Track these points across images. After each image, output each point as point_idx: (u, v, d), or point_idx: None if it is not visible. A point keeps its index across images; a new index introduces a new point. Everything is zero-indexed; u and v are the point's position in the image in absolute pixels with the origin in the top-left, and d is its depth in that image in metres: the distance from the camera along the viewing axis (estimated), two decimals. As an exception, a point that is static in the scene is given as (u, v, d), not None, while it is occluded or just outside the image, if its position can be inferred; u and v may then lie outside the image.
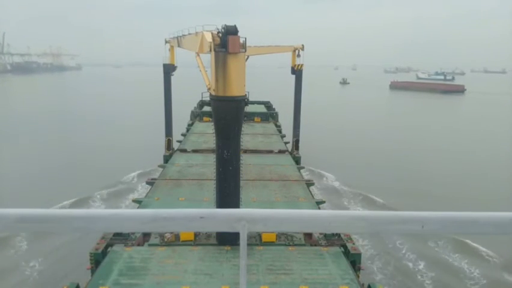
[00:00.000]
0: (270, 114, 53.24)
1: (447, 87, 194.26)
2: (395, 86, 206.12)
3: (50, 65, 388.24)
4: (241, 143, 19.72)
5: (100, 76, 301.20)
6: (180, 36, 29.12)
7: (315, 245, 19.79)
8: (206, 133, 41.12)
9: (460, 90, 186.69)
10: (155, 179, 29.22)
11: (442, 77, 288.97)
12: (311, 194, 27.07)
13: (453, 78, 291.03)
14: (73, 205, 35.70)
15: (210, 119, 42.61)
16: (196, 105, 57.70)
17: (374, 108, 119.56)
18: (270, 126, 48.34)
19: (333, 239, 20.21)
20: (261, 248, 18.83)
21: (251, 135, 41.51)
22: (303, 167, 35.87)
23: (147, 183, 29.32)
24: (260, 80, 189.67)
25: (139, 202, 25.10)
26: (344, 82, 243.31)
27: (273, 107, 59.32)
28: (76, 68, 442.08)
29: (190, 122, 50.12)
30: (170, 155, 36.22)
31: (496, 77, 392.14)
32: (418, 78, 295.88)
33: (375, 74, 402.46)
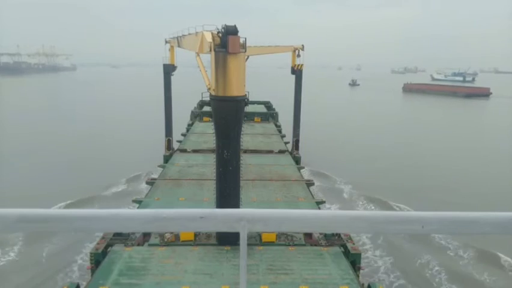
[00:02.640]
0: (270, 114, 53.25)
1: (470, 91, 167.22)
2: (409, 89, 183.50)
3: (41, 65, 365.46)
4: (241, 143, 19.73)
5: (94, 77, 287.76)
6: (180, 36, 29.15)
7: (315, 245, 19.78)
8: (206, 133, 41.12)
9: (485, 93, 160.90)
10: (155, 179, 29.24)
11: (461, 78, 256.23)
12: (311, 194, 27.06)
13: (473, 80, 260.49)
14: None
15: (210, 119, 42.62)
16: (196, 105, 57.73)
17: (396, 116, 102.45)
18: (270, 126, 48.35)
19: (333, 239, 20.20)
20: (261, 248, 18.82)
21: (251, 135, 41.50)
22: (303, 167, 35.89)
23: (147, 183, 29.34)
24: (260, 80, 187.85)
25: (139, 202, 25.09)
26: (354, 84, 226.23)
27: (273, 107, 59.34)
28: (70, 68, 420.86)
29: (190, 122, 50.14)
30: (170, 155, 36.23)
31: (509, 78, 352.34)
32: (433, 79, 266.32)
33: (382, 75, 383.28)
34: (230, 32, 17.03)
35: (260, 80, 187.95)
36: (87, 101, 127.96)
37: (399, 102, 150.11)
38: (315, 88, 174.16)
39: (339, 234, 20.19)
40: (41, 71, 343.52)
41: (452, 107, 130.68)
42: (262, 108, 57.19)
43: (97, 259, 17.88)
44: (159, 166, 34.46)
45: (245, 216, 2.06)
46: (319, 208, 24.47)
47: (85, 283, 16.65)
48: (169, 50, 37.61)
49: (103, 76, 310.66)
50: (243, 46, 17.48)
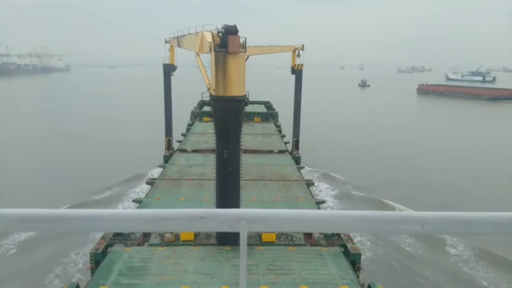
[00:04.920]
0: (270, 114, 53.31)
1: (495, 93, 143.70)
2: (425, 90, 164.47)
3: (32, 66, 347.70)
4: (241, 143, 19.74)
5: (88, 78, 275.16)
6: (180, 36, 29.16)
7: (315, 245, 19.79)
8: (206, 133, 41.14)
9: None
10: (155, 179, 29.25)
11: (480, 78, 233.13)
12: (311, 194, 27.08)
13: (494, 80, 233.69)
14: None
15: (210, 119, 42.62)
16: (196, 105, 57.77)
17: (425, 126, 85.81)
18: (270, 126, 48.39)
19: (333, 239, 20.22)
20: (261, 248, 18.83)
21: (251, 135, 41.52)
22: (303, 167, 35.90)
23: (147, 183, 29.35)
24: (260, 80, 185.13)
25: (139, 202, 25.14)
26: (364, 85, 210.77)
27: (273, 107, 59.37)
28: (64, 69, 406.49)
29: (190, 122, 50.18)
30: (170, 155, 36.24)
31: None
32: (448, 79, 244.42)
33: (388, 74, 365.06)
34: (230, 31, 17.02)
35: (260, 80, 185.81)
36: (70, 103, 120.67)
37: (419, 107, 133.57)
38: (323, 90, 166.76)
39: (339, 234, 20.19)
40: (31, 72, 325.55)
41: (483, 113, 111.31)
42: (262, 108, 57.24)
43: (97, 259, 17.88)
44: (159, 166, 34.48)
45: (245, 216, 2.06)
46: (319, 208, 24.48)
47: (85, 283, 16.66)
48: (169, 50, 37.63)
49: (98, 77, 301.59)
50: (243, 46, 17.47)
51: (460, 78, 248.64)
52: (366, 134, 74.78)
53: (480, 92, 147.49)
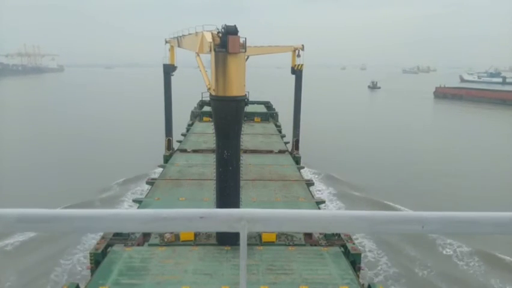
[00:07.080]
0: (270, 114, 53.34)
1: None
2: (442, 94, 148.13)
3: (21, 66, 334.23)
4: (241, 143, 19.74)
5: (82, 79, 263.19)
6: (180, 36, 29.18)
7: (315, 245, 19.80)
8: (206, 133, 41.16)
9: None
10: (155, 179, 29.26)
11: (500, 80, 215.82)
12: (311, 194, 27.09)
13: None
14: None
15: (210, 119, 42.62)
16: (196, 105, 57.79)
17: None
18: (270, 126, 48.41)
19: (333, 239, 20.23)
20: (261, 248, 18.83)
21: (251, 135, 41.52)
22: (303, 167, 35.91)
23: (147, 183, 29.36)
24: (260, 81, 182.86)
25: (139, 202, 25.14)
26: (374, 86, 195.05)
27: (273, 107, 59.40)
28: (56, 69, 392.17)
29: (190, 122, 50.21)
30: (170, 155, 36.25)
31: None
32: (463, 80, 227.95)
33: (393, 75, 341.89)
34: (230, 32, 17.04)
35: (257, 81, 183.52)
36: (57, 105, 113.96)
37: (444, 114, 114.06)
38: (330, 93, 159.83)
39: (339, 234, 20.21)
40: (20, 72, 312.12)
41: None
42: (262, 108, 57.27)
43: (97, 259, 17.89)
44: (159, 166, 34.47)
45: (245, 216, 2.06)
46: (319, 208, 24.48)
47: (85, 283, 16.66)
48: (169, 50, 37.63)
49: (92, 77, 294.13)
50: (243, 46, 17.49)
51: (476, 79, 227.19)
52: (398, 147, 63.23)
53: (506, 97, 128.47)
